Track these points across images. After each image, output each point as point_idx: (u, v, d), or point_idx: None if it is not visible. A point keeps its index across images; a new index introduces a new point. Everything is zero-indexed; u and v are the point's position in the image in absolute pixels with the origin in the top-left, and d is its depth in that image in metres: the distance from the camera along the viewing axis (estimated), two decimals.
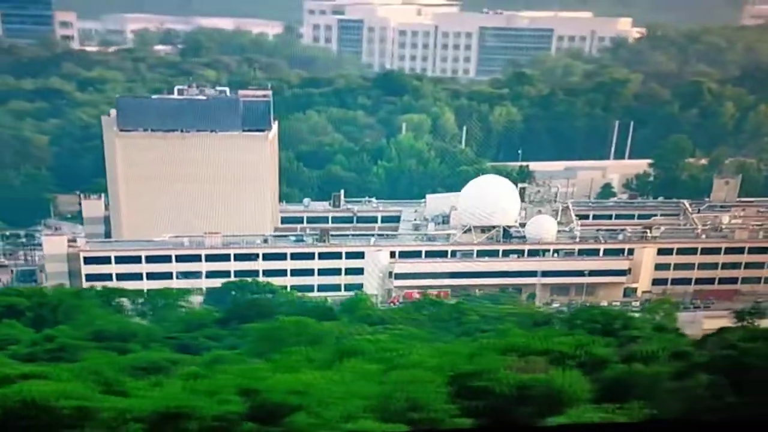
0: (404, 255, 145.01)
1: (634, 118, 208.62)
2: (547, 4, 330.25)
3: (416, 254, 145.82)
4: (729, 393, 48.88)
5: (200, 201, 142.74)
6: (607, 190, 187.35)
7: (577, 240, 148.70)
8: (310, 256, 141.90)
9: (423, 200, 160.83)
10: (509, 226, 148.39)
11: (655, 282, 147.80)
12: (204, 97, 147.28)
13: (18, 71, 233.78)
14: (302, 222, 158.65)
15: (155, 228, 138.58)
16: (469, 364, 50.32)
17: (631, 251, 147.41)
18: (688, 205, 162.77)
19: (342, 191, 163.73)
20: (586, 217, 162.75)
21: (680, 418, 46.92)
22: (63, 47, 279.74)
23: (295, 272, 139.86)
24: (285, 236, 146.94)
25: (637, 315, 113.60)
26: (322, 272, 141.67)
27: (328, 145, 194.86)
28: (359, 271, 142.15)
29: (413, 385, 44.35)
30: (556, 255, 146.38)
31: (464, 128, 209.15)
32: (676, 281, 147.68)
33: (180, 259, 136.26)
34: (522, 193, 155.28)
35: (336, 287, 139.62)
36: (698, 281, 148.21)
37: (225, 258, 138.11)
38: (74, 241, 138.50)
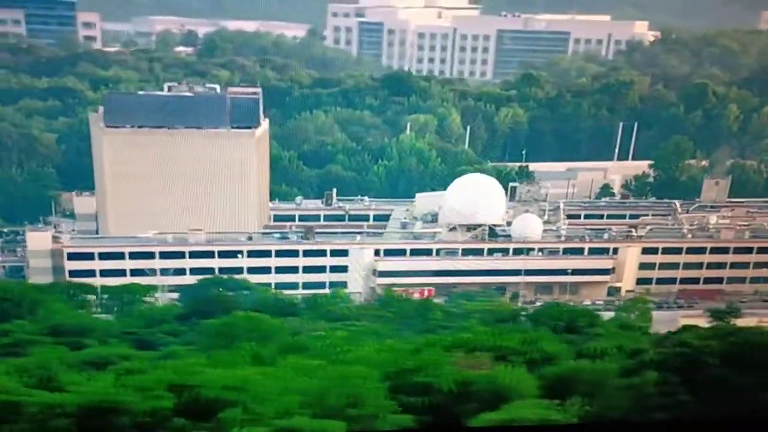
0: (390, 253, 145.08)
1: (640, 120, 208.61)
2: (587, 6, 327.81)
3: (401, 252, 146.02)
4: (679, 391, 49.34)
5: (186, 197, 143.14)
6: (606, 191, 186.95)
7: (562, 239, 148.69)
8: (294, 254, 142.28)
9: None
10: (495, 225, 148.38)
11: (640, 281, 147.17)
12: (191, 94, 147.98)
13: (35, 70, 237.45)
14: (294, 220, 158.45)
15: (141, 224, 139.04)
16: (413, 360, 50.30)
17: (615, 250, 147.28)
18: (678, 206, 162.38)
19: (334, 190, 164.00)
20: (578, 216, 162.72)
21: (625, 417, 47.38)
22: (84, 47, 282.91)
23: (280, 269, 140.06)
24: (270, 233, 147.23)
25: (613, 314, 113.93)
26: (307, 270, 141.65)
27: (331, 144, 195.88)
28: (344, 269, 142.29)
29: (351, 381, 44.20)
30: (540, 254, 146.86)
31: (468, 129, 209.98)
32: (660, 281, 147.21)
33: (164, 255, 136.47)
34: (512, 192, 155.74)
35: (321, 285, 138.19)
36: (683, 281, 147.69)
37: (209, 255, 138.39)
38: (59, 237, 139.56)
